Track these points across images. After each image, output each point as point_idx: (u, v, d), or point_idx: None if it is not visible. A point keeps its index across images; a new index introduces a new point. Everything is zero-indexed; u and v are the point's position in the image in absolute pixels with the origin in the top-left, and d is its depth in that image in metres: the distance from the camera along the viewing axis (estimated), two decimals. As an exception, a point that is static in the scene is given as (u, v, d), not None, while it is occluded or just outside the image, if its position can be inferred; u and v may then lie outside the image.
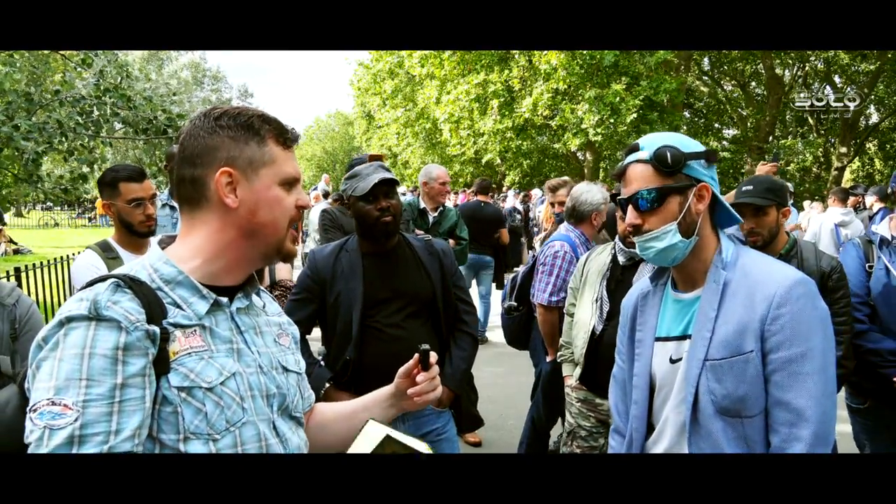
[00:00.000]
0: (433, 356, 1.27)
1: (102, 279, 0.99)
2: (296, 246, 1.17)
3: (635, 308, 1.61)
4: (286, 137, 1.13)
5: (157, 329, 0.97)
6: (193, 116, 1.13)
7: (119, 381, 0.91)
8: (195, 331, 1.03)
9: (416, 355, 1.27)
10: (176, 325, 1.01)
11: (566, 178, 4.15)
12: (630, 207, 1.45)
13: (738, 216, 1.49)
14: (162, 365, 0.97)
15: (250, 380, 1.08)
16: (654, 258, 1.46)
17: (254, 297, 1.19)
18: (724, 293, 1.39)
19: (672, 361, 1.47)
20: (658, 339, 1.52)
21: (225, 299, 1.10)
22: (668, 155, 1.39)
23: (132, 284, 0.99)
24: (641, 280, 1.66)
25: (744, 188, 2.58)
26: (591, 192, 3.41)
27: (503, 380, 4.26)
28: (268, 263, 1.19)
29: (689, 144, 1.43)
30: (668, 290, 1.54)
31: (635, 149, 1.46)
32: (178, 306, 1.03)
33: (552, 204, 4.03)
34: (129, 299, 0.96)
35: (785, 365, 1.31)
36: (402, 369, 1.30)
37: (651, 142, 1.44)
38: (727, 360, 1.35)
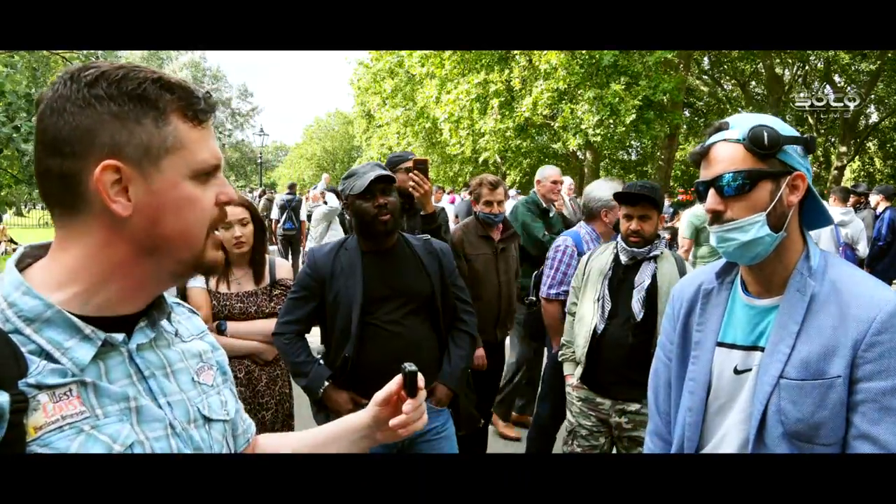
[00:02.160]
0: (421, 379, 1.08)
1: None
2: (219, 252, 0.87)
3: (692, 304, 1.45)
4: (196, 109, 0.80)
5: (4, 398, 0.65)
6: (55, 80, 0.77)
7: None
8: (70, 391, 0.73)
9: (399, 377, 1.06)
10: (40, 387, 0.71)
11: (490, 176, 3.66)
12: (712, 191, 1.27)
13: (830, 217, 1.34)
14: (15, 449, 0.67)
15: (156, 448, 0.80)
16: (733, 252, 1.28)
17: (164, 322, 0.89)
18: (811, 306, 1.24)
19: (738, 372, 1.33)
20: (721, 345, 1.37)
21: (121, 335, 0.79)
22: (766, 135, 1.22)
23: None
24: (700, 272, 1.50)
25: None
26: (600, 189, 3.43)
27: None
28: (182, 281, 0.92)
29: (786, 128, 1.27)
30: (738, 292, 1.38)
31: (723, 127, 1.29)
32: (48, 356, 0.73)
33: (488, 203, 3.56)
34: None
35: (878, 396, 1.16)
36: (379, 396, 1.07)
37: (743, 121, 1.27)
38: (808, 383, 1.21)
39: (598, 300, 2.74)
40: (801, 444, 1.23)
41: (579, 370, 2.81)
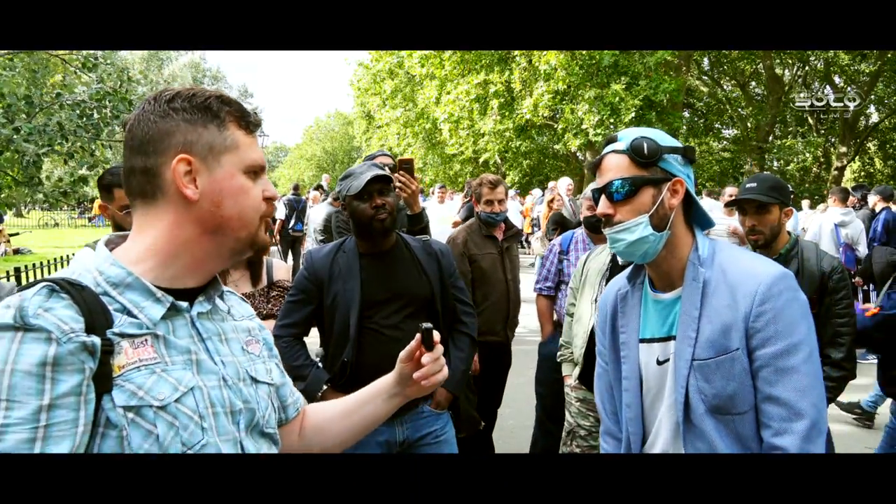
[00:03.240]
0: (436, 335, 1.19)
1: (34, 283, 0.89)
2: (267, 236, 1.07)
3: (615, 309, 1.59)
4: (248, 121, 1.03)
5: (97, 340, 0.85)
6: (142, 101, 1.01)
7: (46, 402, 0.80)
8: (146, 340, 0.92)
9: (418, 335, 1.18)
10: (123, 335, 0.90)
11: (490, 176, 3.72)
12: (602, 197, 1.44)
13: (711, 219, 1.48)
14: (104, 381, 0.86)
15: (212, 395, 0.96)
16: (623, 251, 1.43)
17: (217, 300, 1.08)
18: (705, 291, 1.38)
19: (659, 363, 1.46)
20: (643, 341, 1.51)
21: (184, 304, 0.99)
22: (645, 146, 1.38)
23: (70, 288, 0.87)
24: (617, 279, 1.64)
25: (747, 185, 2.58)
26: (589, 187, 3.50)
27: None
28: (238, 259, 1.07)
29: (667, 140, 1.43)
30: (647, 291, 1.52)
31: (613, 140, 1.45)
32: (129, 312, 0.92)
33: (489, 202, 3.60)
34: (64, 305, 0.85)
35: (771, 360, 1.31)
36: (403, 353, 1.21)
37: (629, 134, 1.43)
38: (714, 360, 1.35)
39: (596, 300, 2.74)
40: (723, 416, 1.36)
41: (577, 370, 2.81)
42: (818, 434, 1.30)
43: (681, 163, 1.42)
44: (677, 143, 1.44)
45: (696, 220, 1.48)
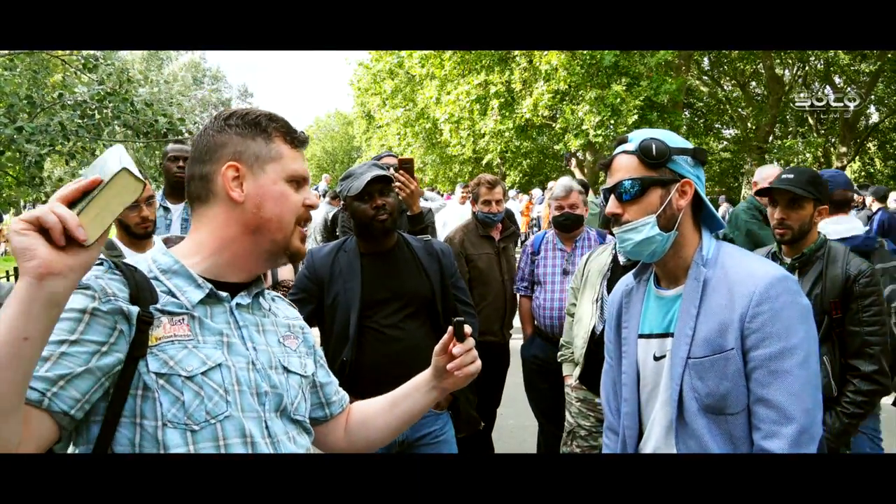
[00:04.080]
0: (467, 328, 1.24)
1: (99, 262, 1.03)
2: (304, 245, 1.17)
3: (620, 305, 1.60)
4: (294, 137, 1.15)
5: (134, 309, 0.98)
6: (208, 119, 1.16)
7: (72, 338, 0.93)
8: (183, 319, 1.04)
9: (450, 328, 1.25)
10: (164, 312, 1.02)
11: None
12: (612, 197, 1.45)
13: (721, 221, 1.49)
14: (140, 347, 0.98)
15: (239, 374, 1.06)
16: (631, 251, 1.44)
17: (261, 299, 1.19)
18: (705, 290, 1.39)
19: (656, 359, 1.47)
20: (641, 336, 1.52)
21: (225, 294, 1.10)
22: (654, 147, 1.39)
23: (124, 268, 1.02)
24: (626, 276, 1.65)
25: (784, 175, 2.41)
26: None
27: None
28: (275, 263, 1.17)
29: (678, 141, 1.44)
30: (651, 287, 1.54)
31: (624, 141, 1.47)
32: (172, 294, 1.05)
33: (487, 202, 3.59)
34: (114, 279, 1.00)
35: (765, 362, 1.30)
36: (437, 346, 1.29)
37: (639, 135, 1.45)
38: (708, 358, 1.35)
39: (597, 301, 2.74)
40: (715, 416, 1.36)
41: (578, 370, 2.81)
42: (809, 440, 1.28)
43: (690, 164, 1.43)
44: (688, 145, 1.44)
45: (706, 221, 1.49)
